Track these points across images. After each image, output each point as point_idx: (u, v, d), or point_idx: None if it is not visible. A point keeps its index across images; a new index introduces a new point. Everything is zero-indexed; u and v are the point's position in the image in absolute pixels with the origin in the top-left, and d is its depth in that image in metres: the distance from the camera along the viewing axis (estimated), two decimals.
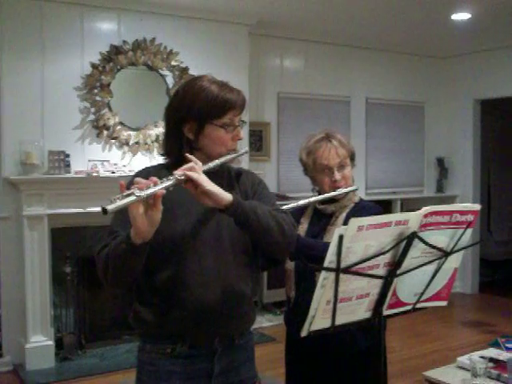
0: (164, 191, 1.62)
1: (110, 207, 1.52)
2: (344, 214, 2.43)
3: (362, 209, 2.42)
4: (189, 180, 1.68)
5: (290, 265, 2.45)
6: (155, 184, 1.62)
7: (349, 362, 2.38)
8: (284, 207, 2.26)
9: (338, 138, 2.48)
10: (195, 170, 1.70)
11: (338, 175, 2.43)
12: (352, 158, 2.51)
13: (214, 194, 1.70)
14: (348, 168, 2.48)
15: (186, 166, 1.71)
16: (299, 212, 2.52)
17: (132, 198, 1.56)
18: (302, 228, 2.48)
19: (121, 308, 5.40)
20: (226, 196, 1.72)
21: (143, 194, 1.58)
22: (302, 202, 2.43)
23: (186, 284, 1.82)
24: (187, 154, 1.77)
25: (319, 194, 2.49)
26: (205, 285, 1.82)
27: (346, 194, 2.46)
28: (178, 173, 1.68)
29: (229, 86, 1.91)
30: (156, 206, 1.64)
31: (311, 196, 2.50)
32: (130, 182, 1.72)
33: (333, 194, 2.43)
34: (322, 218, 2.48)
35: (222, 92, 1.87)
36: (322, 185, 2.47)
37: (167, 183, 1.64)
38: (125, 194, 1.56)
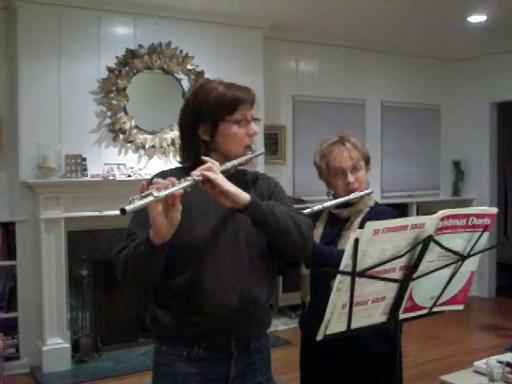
0: (182, 191, 1.63)
1: (128, 207, 1.53)
2: (359, 219, 2.42)
3: (377, 213, 2.40)
4: (206, 180, 1.69)
5: (306, 269, 2.45)
6: (173, 184, 1.63)
7: (364, 366, 2.37)
8: None
9: (352, 141, 2.47)
10: (213, 170, 1.70)
11: (351, 177, 2.42)
12: (367, 161, 2.51)
13: (232, 193, 1.70)
14: (362, 171, 2.47)
15: (203, 167, 1.71)
16: (314, 216, 2.51)
17: (150, 198, 1.56)
18: (317, 232, 2.48)
19: (137, 311, 5.43)
20: (244, 196, 1.72)
21: (161, 194, 1.58)
22: (316, 208, 2.42)
23: (204, 289, 1.82)
24: (203, 157, 1.77)
25: (334, 198, 2.49)
26: (222, 289, 1.83)
27: (361, 197, 2.46)
28: (196, 173, 1.69)
29: (236, 85, 1.94)
30: (175, 206, 1.65)
31: (326, 200, 2.50)
32: (149, 183, 1.73)
33: (347, 198, 2.42)
34: (337, 222, 2.47)
35: (230, 90, 1.90)
36: (337, 188, 2.47)
37: (185, 183, 1.65)
38: (143, 194, 1.57)
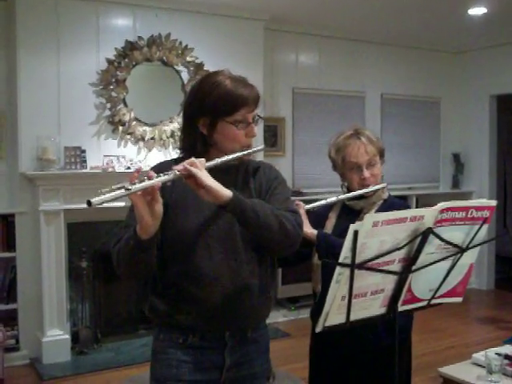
0: (159, 184, 1.63)
1: (94, 200, 1.51)
2: (373, 211, 2.42)
3: (391, 206, 2.41)
4: (189, 175, 1.68)
5: (318, 260, 2.44)
6: (150, 178, 1.62)
7: (373, 358, 2.37)
8: (312, 205, 2.35)
9: (367, 134, 2.47)
10: (196, 165, 1.69)
11: (366, 173, 2.43)
12: (382, 154, 2.51)
13: (213, 189, 1.68)
14: (377, 165, 2.47)
15: (186, 161, 1.70)
16: (327, 208, 2.52)
17: (121, 191, 1.55)
18: (330, 223, 2.49)
19: (136, 302, 5.44)
20: (226, 192, 1.70)
21: (133, 188, 1.57)
22: (330, 200, 2.44)
23: (197, 278, 1.83)
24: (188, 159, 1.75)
25: (348, 191, 2.50)
26: (215, 279, 1.84)
27: (375, 191, 2.46)
28: (178, 167, 1.68)
29: (243, 82, 1.90)
30: (155, 199, 1.65)
31: (340, 193, 2.51)
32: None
33: (361, 191, 2.43)
34: (350, 213, 2.47)
35: (234, 88, 1.86)
36: (351, 182, 2.47)
37: (164, 177, 1.65)
38: (114, 187, 1.56)
